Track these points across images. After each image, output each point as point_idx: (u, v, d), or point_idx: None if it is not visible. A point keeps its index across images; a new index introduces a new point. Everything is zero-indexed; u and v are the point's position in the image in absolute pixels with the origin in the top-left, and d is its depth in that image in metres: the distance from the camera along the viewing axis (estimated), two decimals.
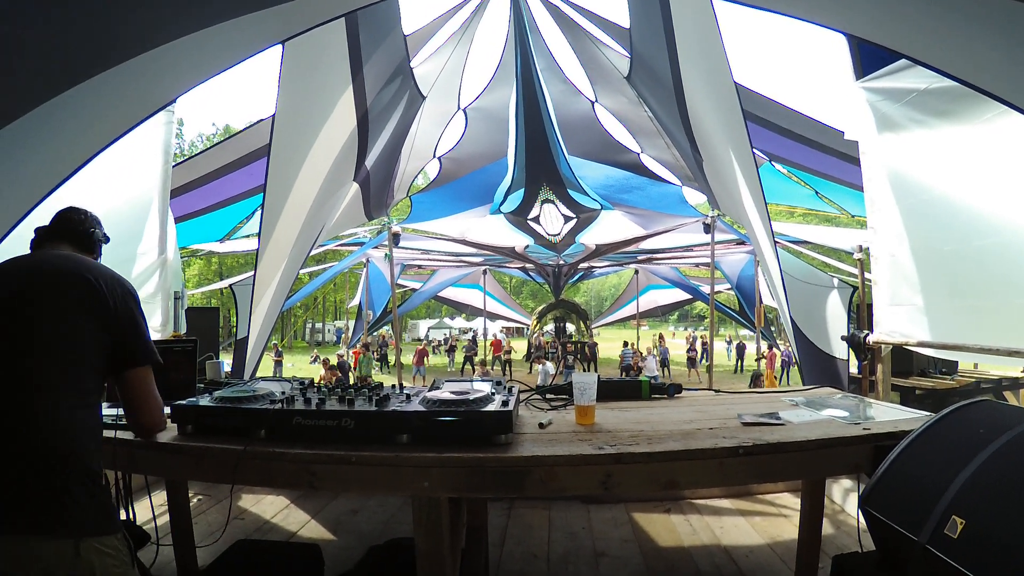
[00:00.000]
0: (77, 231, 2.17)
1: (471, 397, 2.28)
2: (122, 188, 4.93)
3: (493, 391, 2.46)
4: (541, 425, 2.43)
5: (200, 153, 7.22)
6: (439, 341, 40.52)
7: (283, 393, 2.55)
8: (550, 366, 16.62)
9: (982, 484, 1.63)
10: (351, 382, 2.94)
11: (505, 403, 2.26)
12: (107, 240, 2.31)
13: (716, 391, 3.34)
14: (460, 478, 2.05)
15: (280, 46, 3.99)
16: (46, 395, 1.69)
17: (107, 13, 2.47)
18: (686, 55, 5.83)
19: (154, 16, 2.68)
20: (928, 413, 2.50)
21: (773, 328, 23.89)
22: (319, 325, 53.52)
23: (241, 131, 7.23)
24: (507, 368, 24.67)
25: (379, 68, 6.45)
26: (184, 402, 2.36)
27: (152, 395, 2.04)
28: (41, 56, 2.42)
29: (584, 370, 24.09)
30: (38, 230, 2.16)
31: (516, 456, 2.03)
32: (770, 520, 4.23)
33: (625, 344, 25.22)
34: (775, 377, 20.21)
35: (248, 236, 9.84)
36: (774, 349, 20.97)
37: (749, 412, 2.61)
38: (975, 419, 1.91)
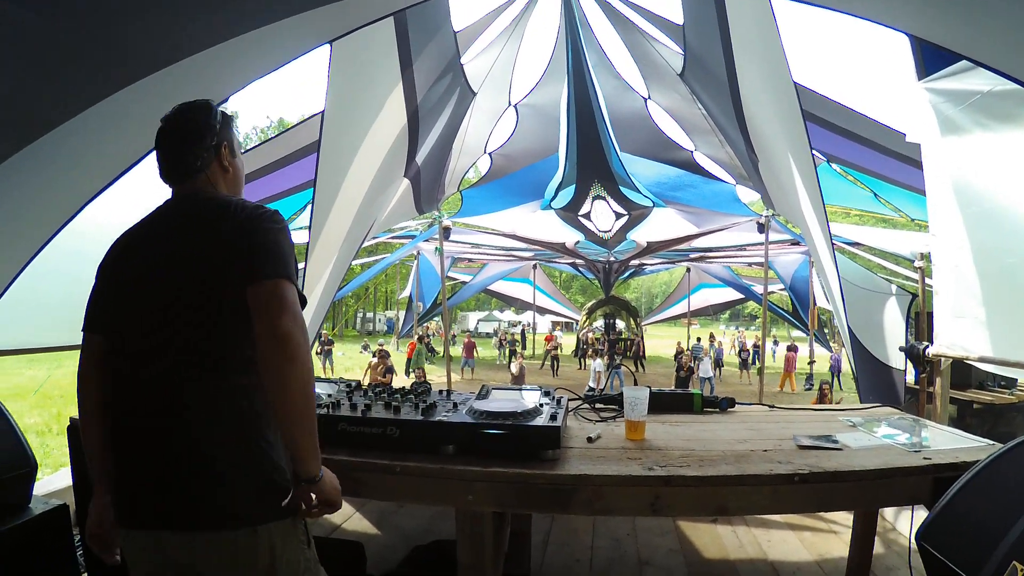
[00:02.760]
0: None
1: (519, 410, 2.24)
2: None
3: (541, 402, 2.42)
4: (589, 439, 2.40)
5: (250, 149, 7.34)
6: (484, 333, 40.58)
7: (329, 396, 2.56)
8: (600, 363, 16.48)
9: None
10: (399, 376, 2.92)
11: (553, 417, 2.23)
12: None
13: (771, 407, 3.24)
14: (505, 494, 2.02)
15: (328, 45, 4.01)
16: None
17: (158, 17, 2.51)
18: (742, 53, 5.69)
19: (205, 19, 2.71)
20: (990, 442, 2.39)
21: (827, 330, 23.33)
22: (370, 315, 54.19)
23: (292, 127, 7.31)
24: (555, 364, 24.56)
25: (429, 65, 6.45)
26: None
27: None
28: (97, 57, 2.47)
29: (634, 368, 23.94)
30: None
31: (563, 474, 2.00)
32: (820, 536, 4.11)
33: (698, 340, 24.99)
34: (793, 381, 19.86)
35: (300, 229, 9.99)
36: (792, 352, 20.50)
37: (804, 433, 2.52)
38: None
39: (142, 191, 3.60)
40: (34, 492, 2.76)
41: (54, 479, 4.24)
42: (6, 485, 2.57)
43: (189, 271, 1.66)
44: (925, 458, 2.22)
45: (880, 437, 2.54)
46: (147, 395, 1.63)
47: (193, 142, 1.84)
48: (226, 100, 3.44)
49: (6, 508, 2.56)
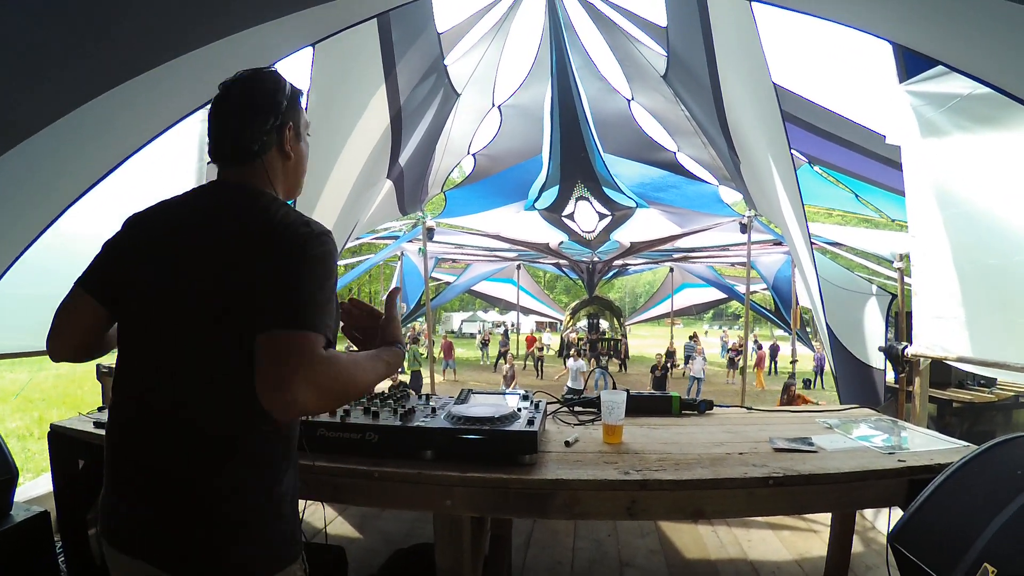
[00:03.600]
0: None
1: (497, 415, 2.25)
2: (159, 186, 5.00)
3: (519, 407, 2.43)
4: (567, 443, 2.41)
5: None
6: (467, 334, 40.39)
7: None
8: (582, 363, 16.51)
9: (1017, 531, 1.56)
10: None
11: (531, 422, 2.23)
12: None
13: (749, 409, 3.26)
14: (483, 498, 2.03)
15: (311, 47, 4.00)
16: None
17: (140, 20, 2.50)
18: (724, 55, 5.73)
19: (186, 23, 2.70)
20: (965, 444, 2.42)
21: (809, 329, 23.51)
22: None
23: None
24: (540, 365, 24.56)
25: (412, 66, 6.45)
26: None
27: None
28: (77, 61, 2.45)
29: (617, 368, 24.02)
30: None
31: (540, 479, 2.01)
32: (800, 535, 4.15)
33: (690, 338, 25.09)
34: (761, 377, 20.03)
35: None
36: (763, 349, 20.62)
37: (781, 436, 2.55)
38: (1012, 458, 1.83)
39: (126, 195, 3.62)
40: (15, 499, 2.74)
41: (36, 484, 4.20)
42: None
43: (218, 294, 1.43)
44: (900, 460, 2.25)
45: (856, 439, 2.57)
46: (158, 426, 1.44)
47: (252, 119, 1.59)
48: (204, 106, 3.42)
49: None
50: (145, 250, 1.52)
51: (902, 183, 4.30)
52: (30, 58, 2.28)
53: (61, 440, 2.72)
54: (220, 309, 1.42)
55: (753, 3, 3.89)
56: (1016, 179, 3.53)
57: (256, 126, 1.57)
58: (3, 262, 3.21)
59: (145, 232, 1.56)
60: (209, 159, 1.63)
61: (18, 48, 2.20)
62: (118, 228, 1.60)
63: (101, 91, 2.63)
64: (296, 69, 4.18)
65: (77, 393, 13.54)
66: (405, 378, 13.51)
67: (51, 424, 2.80)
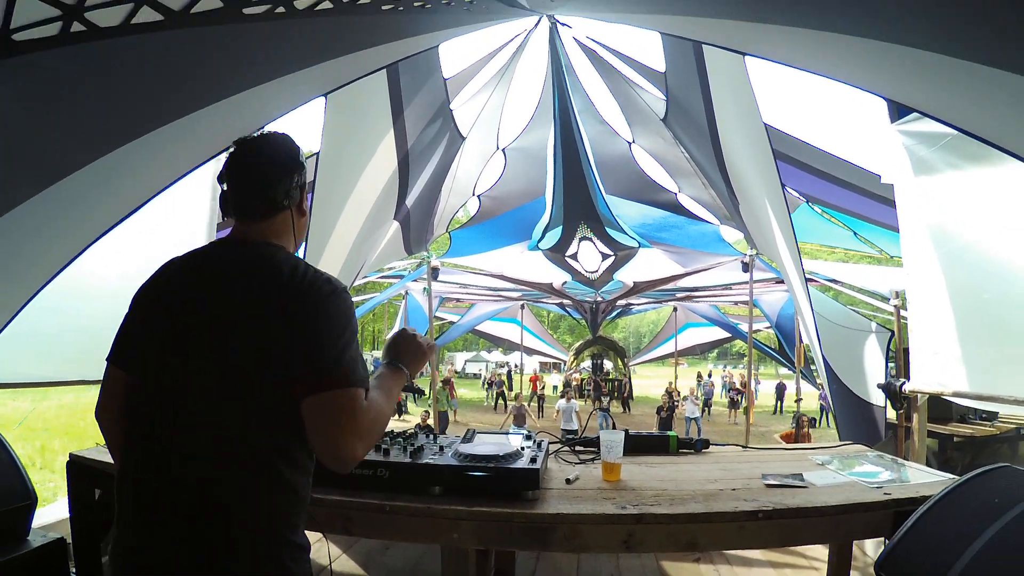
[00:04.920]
0: None
1: (501, 453, 2.35)
2: (173, 229, 5.14)
3: (523, 446, 2.53)
4: (568, 480, 2.50)
5: None
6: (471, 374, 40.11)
7: None
8: (574, 403, 16.51)
9: (992, 556, 1.65)
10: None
11: (533, 460, 2.33)
12: None
13: (744, 447, 3.35)
14: (488, 531, 2.12)
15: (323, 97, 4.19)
16: None
17: (166, 76, 2.66)
18: (720, 100, 5.91)
19: (210, 78, 2.87)
20: (952, 477, 2.51)
21: (813, 367, 23.43)
22: None
23: None
24: (541, 405, 24.50)
25: (420, 111, 6.64)
26: None
27: None
28: (110, 110, 2.60)
29: (622, 410, 23.96)
30: None
31: (542, 513, 2.10)
32: (799, 572, 4.18)
33: (699, 376, 24.95)
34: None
35: None
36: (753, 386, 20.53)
37: (774, 472, 2.64)
38: (992, 487, 1.93)
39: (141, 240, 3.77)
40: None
41: (46, 512, 4.28)
42: (6, 517, 2.62)
43: (243, 354, 1.48)
44: (886, 493, 2.34)
45: (846, 475, 2.66)
46: (174, 478, 1.45)
47: (284, 174, 1.67)
48: (224, 151, 3.59)
49: (5, 540, 2.61)
50: (165, 311, 1.57)
51: (897, 220, 4.40)
52: (67, 99, 2.43)
53: (79, 469, 2.84)
54: (250, 366, 1.47)
55: (746, 56, 4.06)
56: (1007, 213, 3.63)
57: (284, 183, 1.66)
58: (24, 296, 3.34)
59: (162, 295, 1.61)
60: (225, 213, 1.70)
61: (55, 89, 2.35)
62: (133, 296, 1.64)
63: (135, 137, 2.79)
64: (309, 116, 4.36)
65: (79, 425, 13.56)
66: (431, 420, 13.49)
67: (70, 453, 2.92)
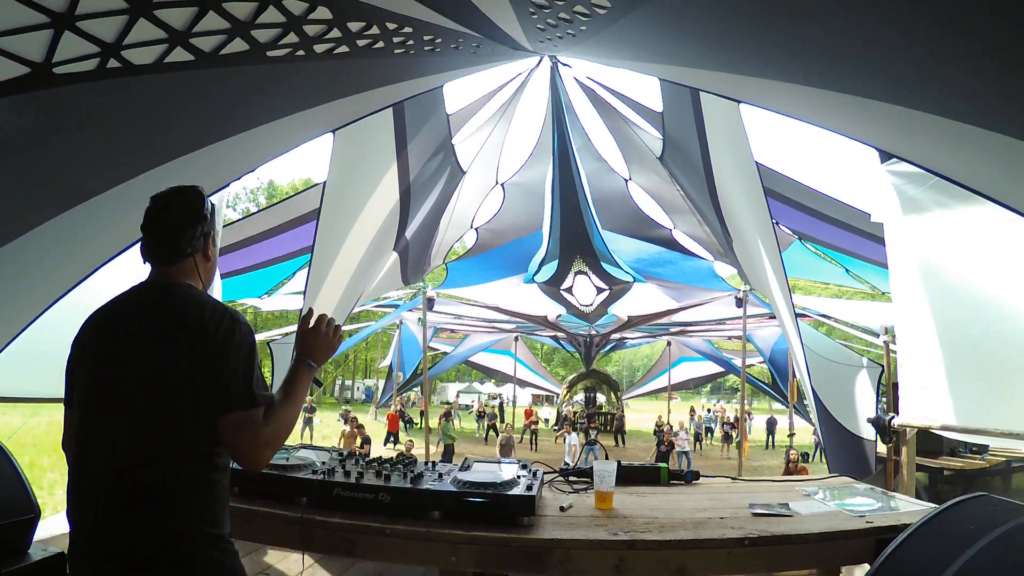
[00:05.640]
0: None
1: (498, 480, 2.45)
2: None
3: (519, 474, 2.62)
4: (562, 508, 2.58)
5: (245, 218, 7.61)
6: (463, 406, 39.94)
7: (324, 464, 2.75)
8: (574, 437, 16.55)
9: None
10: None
11: (529, 487, 2.43)
12: None
13: (733, 479, 3.44)
14: (485, 555, 2.21)
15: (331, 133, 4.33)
16: None
17: (190, 109, 2.79)
18: (715, 140, 6.08)
19: (228, 114, 3.00)
20: (933, 506, 2.60)
21: (806, 402, 23.46)
22: (348, 383, 53.68)
23: (283, 200, 7.61)
24: (535, 438, 24.40)
25: (423, 146, 6.80)
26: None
27: None
28: (134, 142, 2.72)
29: (615, 443, 23.88)
30: None
31: (537, 538, 2.19)
32: None
33: (691, 411, 24.95)
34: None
35: (289, 294, 10.21)
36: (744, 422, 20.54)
37: (761, 502, 2.73)
38: (969, 515, 2.03)
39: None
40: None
41: (42, 526, 4.31)
42: (9, 530, 2.65)
43: (161, 382, 1.71)
44: (868, 521, 2.44)
45: (831, 504, 2.76)
46: (108, 507, 1.67)
47: (188, 226, 1.91)
48: (238, 178, 3.74)
49: (7, 553, 2.64)
50: (95, 348, 1.82)
51: (887, 257, 4.51)
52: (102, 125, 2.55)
53: None
54: (165, 390, 1.71)
55: (741, 104, 4.22)
56: (992, 251, 3.74)
57: (191, 231, 1.91)
58: (27, 318, 3.43)
59: (93, 334, 1.85)
60: (144, 260, 1.94)
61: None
62: (72, 343, 1.88)
63: (157, 165, 2.91)
64: (318, 143, 4.49)
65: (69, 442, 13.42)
66: (404, 449, 13.46)
67: None
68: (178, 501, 1.68)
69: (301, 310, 5.60)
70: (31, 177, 2.41)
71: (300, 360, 1.99)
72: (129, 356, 1.75)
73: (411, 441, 15.05)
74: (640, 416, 35.09)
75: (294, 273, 9.34)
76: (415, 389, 26.05)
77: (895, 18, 1.78)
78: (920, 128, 2.56)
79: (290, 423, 1.85)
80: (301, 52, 2.47)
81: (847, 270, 9.42)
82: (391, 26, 2.63)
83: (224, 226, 5.20)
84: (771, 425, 26.12)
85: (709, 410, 28.51)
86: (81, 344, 1.85)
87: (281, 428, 1.80)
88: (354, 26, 2.48)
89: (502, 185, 10.28)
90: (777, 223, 7.36)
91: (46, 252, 3.07)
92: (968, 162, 2.76)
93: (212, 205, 2.03)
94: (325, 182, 5.10)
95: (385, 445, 19.36)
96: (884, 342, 6.98)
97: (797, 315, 6.22)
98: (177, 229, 1.90)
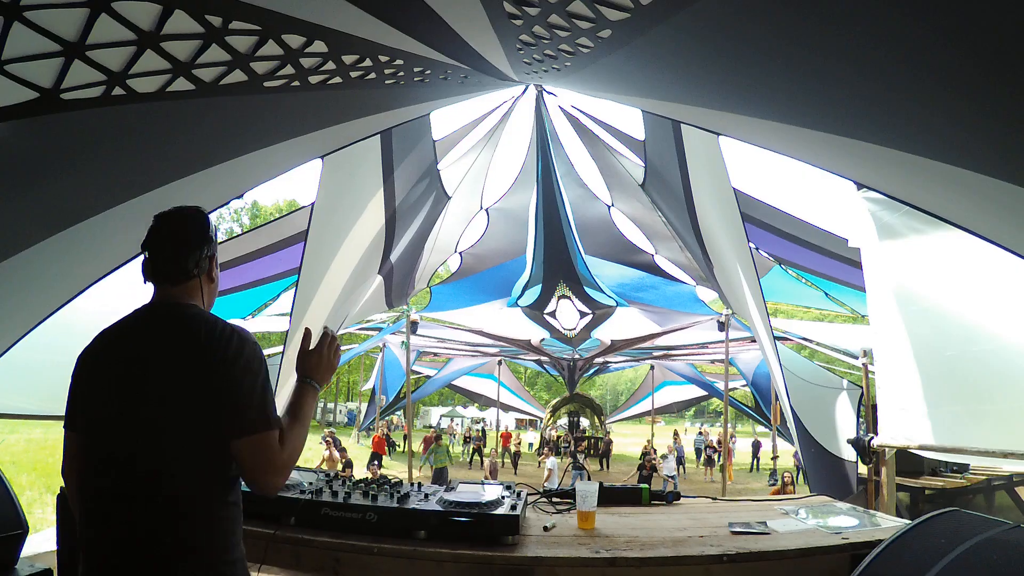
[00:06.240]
0: None
1: (483, 500, 2.51)
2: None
3: (503, 495, 2.69)
4: (546, 528, 2.65)
5: (230, 239, 7.63)
6: (450, 431, 39.75)
7: (311, 484, 2.80)
8: (552, 461, 16.56)
9: None
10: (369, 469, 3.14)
11: (513, 507, 2.49)
12: None
13: (713, 499, 3.52)
14: (471, 573, 2.27)
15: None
16: None
17: (189, 135, 2.86)
18: (695, 169, 6.20)
19: (222, 142, 3.07)
20: (907, 522, 2.68)
21: (789, 425, 23.54)
22: (331, 405, 53.23)
23: (269, 223, 7.64)
24: (516, 461, 24.37)
25: (409, 171, 6.88)
26: None
27: None
28: (136, 163, 2.79)
29: (599, 467, 23.87)
30: None
31: (521, 556, 2.25)
32: None
33: (675, 434, 24.98)
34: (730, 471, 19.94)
35: (273, 316, 10.21)
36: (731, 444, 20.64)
37: (740, 521, 2.80)
38: (940, 529, 2.11)
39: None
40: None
41: (29, 542, 4.29)
42: None
43: (173, 403, 1.69)
44: (843, 538, 2.53)
45: (808, 522, 2.84)
46: (121, 529, 1.66)
47: (194, 247, 1.88)
48: (227, 203, 3.80)
49: None
50: (104, 370, 1.79)
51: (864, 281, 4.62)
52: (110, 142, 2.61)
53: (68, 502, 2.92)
54: (179, 414, 1.69)
55: (720, 136, 4.34)
56: (966, 275, 3.84)
57: (197, 252, 1.89)
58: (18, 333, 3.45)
59: (94, 360, 1.82)
60: (146, 279, 1.92)
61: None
62: (75, 365, 1.84)
63: (154, 188, 2.96)
64: (303, 171, 4.57)
65: (48, 461, 13.22)
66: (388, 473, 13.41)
67: (60, 487, 2.99)
68: (192, 524, 1.67)
69: (287, 332, 5.64)
70: (28, 197, 2.46)
71: (303, 382, 1.97)
72: (141, 378, 1.73)
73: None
74: (624, 440, 35.04)
75: (279, 295, 9.37)
76: (398, 413, 25.89)
77: (864, 63, 1.88)
78: (889, 162, 2.67)
79: (301, 446, 1.84)
80: (296, 83, 2.55)
81: (827, 294, 9.57)
82: (383, 58, 2.72)
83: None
84: (755, 448, 26.37)
85: (700, 433, 28.52)
86: (88, 365, 1.82)
87: (294, 452, 1.79)
88: (348, 59, 2.57)
89: (487, 210, 10.38)
90: (757, 248, 7.52)
91: (38, 272, 3.11)
92: (936, 192, 2.88)
93: (215, 227, 2.02)
94: (313, 205, 5.16)
95: (368, 467, 19.21)
96: (863, 364, 7.10)
97: (779, 338, 6.33)
98: (183, 249, 1.88)
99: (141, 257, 1.92)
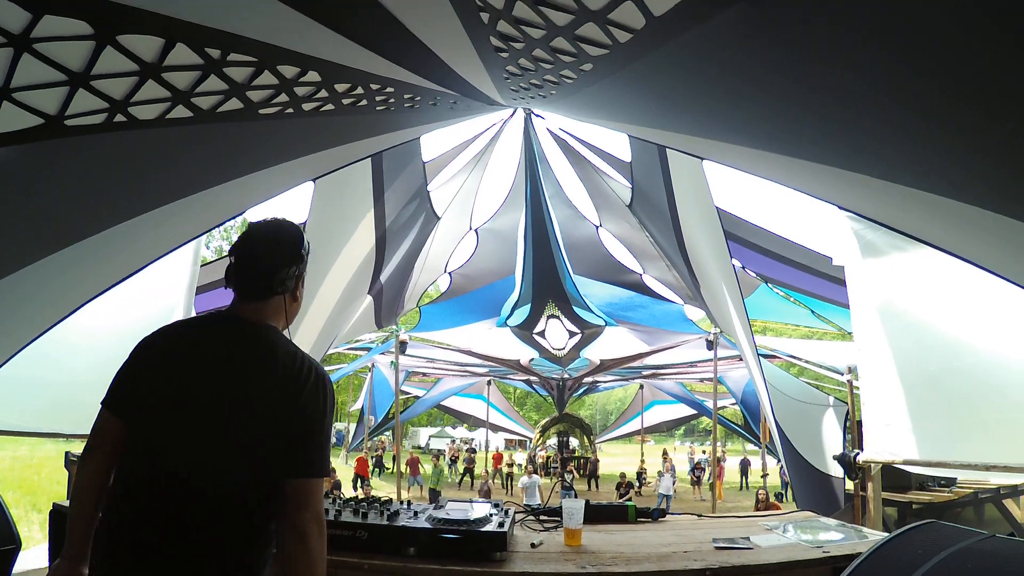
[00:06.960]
0: None
1: (471, 517, 2.56)
2: (156, 295, 5.28)
3: (491, 512, 2.74)
4: (533, 545, 2.70)
5: (221, 258, 7.67)
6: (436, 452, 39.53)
7: None
8: (536, 478, 16.54)
9: None
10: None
11: (501, 524, 2.55)
12: None
13: (699, 516, 3.58)
14: None
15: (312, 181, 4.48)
16: None
17: (184, 159, 2.92)
18: (680, 190, 6.30)
19: (216, 164, 3.14)
20: (888, 535, 2.74)
21: (775, 442, 23.56)
22: None
23: None
24: (508, 481, 24.32)
25: (399, 193, 6.95)
26: None
27: None
28: (134, 186, 2.85)
29: (587, 488, 23.82)
30: None
31: (509, 572, 2.31)
32: None
33: (664, 453, 24.95)
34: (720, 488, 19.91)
35: None
36: (721, 463, 20.66)
37: (724, 536, 2.86)
38: (918, 540, 2.17)
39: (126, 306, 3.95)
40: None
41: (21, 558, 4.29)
42: None
43: (241, 428, 1.65)
44: (824, 552, 2.59)
45: (790, 537, 2.90)
46: (164, 536, 1.59)
47: (284, 265, 1.83)
48: (220, 225, 3.86)
49: None
50: (175, 366, 1.72)
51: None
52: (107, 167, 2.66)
53: (61, 519, 2.95)
54: (247, 439, 1.66)
55: (704, 161, 4.44)
56: (946, 292, 3.95)
57: (283, 272, 1.85)
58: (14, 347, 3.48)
59: (161, 353, 1.76)
60: (227, 285, 1.87)
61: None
62: (135, 350, 1.79)
63: (150, 210, 3.02)
64: (296, 195, 4.63)
65: (34, 479, 13.18)
66: (376, 493, 13.36)
67: (53, 504, 3.03)
68: (236, 537, 1.64)
69: None
70: (28, 218, 2.52)
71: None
72: (214, 384, 1.68)
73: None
74: (613, 460, 34.95)
75: None
76: (387, 433, 25.78)
77: (848, 96, 1.97)
78: (869, 190, 2.76)
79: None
80: (290, 110, 2.63)
81: (813, 312, 9.67)
82: (374, 86, 2.81)
83: (201, 266, 5.30)
84: (744, 466, 26.21)
85: (704, 452, 28.49)
86: (154, 359, 1.75)
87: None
88: (340, 87, 2.65)
89: (476, 231, 10.47)
90: (744, 268, 7.62)
91: (34, 291, 3.14)
92: (914, 215, 2.96)
93: (309, 244, 1.97)
94: (304, 225, 5.22)
95: (360, 488, 19.10)
96: (848, 380, 7.20)
97: (767, 356, 6.41)
98: (273, 265, 1.83)
99: (226, 262, 1.87)
